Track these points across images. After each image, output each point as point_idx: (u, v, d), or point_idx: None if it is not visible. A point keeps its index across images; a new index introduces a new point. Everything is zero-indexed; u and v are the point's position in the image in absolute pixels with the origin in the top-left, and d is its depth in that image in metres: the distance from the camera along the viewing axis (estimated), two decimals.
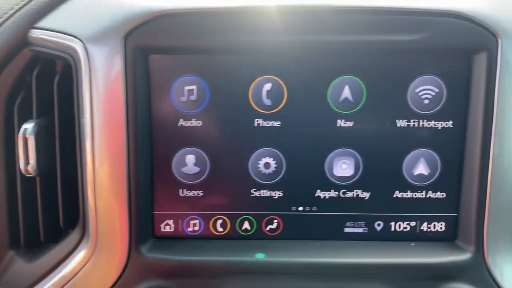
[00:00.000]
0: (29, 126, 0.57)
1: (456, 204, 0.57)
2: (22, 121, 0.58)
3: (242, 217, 0.57)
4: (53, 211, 0.61)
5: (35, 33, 0.56)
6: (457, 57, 0.53)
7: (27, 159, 0.57)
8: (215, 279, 0.55)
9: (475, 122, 0.55)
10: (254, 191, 0.57)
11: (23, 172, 0.58)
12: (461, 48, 0.53)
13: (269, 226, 0.58)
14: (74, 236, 0.59)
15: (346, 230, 0.57)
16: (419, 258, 0.56)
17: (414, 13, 0.52)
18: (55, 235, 0.61)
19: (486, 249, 0.55)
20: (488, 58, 0.52)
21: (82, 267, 0.57)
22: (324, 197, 0.56)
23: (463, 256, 0.55)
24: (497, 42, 0.52)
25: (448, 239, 0.57)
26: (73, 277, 0.57)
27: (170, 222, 0.58)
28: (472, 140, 0.55)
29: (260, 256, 0.54)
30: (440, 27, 0.52)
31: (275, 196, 0.57)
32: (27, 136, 0.56)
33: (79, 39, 0.54)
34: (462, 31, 0.52)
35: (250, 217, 0.57)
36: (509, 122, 0.54)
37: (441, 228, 0.58)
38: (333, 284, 0.55)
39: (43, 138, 0.58)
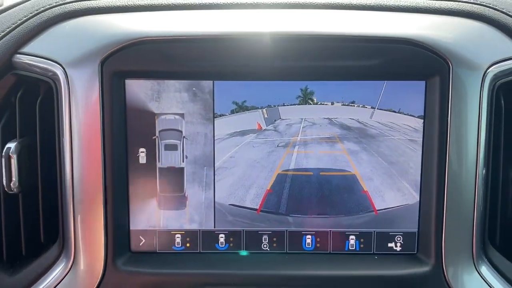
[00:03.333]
0: (12, 145, 0.59)
1: (416, 221, 0.60)
2: (5, 141, 0.61)
3: (217, 233, 0.61)
4: (34, 226, 0.63)
5: (19, 58, 0.59)
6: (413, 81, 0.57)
7: (10, 177, 0.59)
8: None
9: (431, 143, 0.58)
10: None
11: (6, 189, 0.61)
12: (416, 73, 0.57)
13: (247, 242, 0.61)
14: (53, 250, 0.61)
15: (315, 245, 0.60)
16: (383, 271, 0.58)
17: (371, 40, 0.56)
18: (36, 249, 0.63)
19: (444, 262, 0.58)
20: (441, 81, 0.56)
21: (61, 280, 0.59)
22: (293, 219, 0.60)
23: (423, 269, 0.58)
24: (449, 66, 0.56)
25: (409, 252, 0.60)
26: None
27: (146, 237, 0.60)
28: (428, 160, 0.59)
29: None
30: (396, 53, 0.56)
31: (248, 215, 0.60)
32: (10, 154, 0.59)
33: (59, 64, 0.57)
34: (415, 57, 0.56)
35: (222, 233, 0.61)
36: (462, 144, 0.57)
37: (402, 242, 0.61)
38: None
39: (25, 156, 0.60)
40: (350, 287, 0.57)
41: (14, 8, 0.63)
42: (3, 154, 0.59)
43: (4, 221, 0.63)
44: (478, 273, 0.58)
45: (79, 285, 0.58)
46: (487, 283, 0.58)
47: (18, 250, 0.64)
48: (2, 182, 0.61)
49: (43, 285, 0.59)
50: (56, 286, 0.59)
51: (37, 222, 0.63)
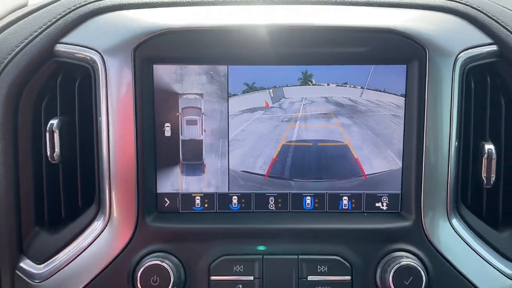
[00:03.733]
0: (54, 122, 0.69)
1: (399, 184, 0.70)
2: (47, 118, 0.70)
3: (231, 195, 0.71)
4: (72, 193, 0.73)
5: (60, 47, 0.68)
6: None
7: (53, 149, 0.69)
8: (205, 242, 0.67)
9: (411, 117, 0.67)
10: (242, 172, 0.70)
11: (49, 159, 0.70)
12: (398, 58, 0.67)
13: (256, 203, 0.70)
14: (90, 211, 0.70)
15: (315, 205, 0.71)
16: (371, 225, 0.68)
17: (360, 31, 0.65)
18: (74, 213, 0.73)
19: (423, 217, 0.67)
20: (419, 65, 0.66)
21: (98, 235, 0.68)
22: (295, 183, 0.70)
23: (406, 223, 0.68)
24: (426, 52, 0.66)
25: (394, 211, 0.70)
26: (90, 244, 0.68)
27: (170, 199, 0.70)
28: (409, 132, 0.68)
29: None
30: (381, 41, 0.66)
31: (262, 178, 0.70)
32: (53, 129, 0.69)
33: (97, 51, 0.66)
34: (398, 45, 0.66)
35: (235, 196, 0.71)
36: (437, 119, 0.67)
37: (388, 202, 0.71)
38: (306, 246, 0.67)
39: (65, 131, 0.70)
40: (344, 238, 0.67)
41: (53, 4, 0.73)
42: (47, 129, 0.69)
43: (46, 188, 0.72)
44: (451, 226, 0.68)
45: (115, 239, 0.67)
46: (457, 234, 0.68)
47: (58, 214, 0.74)
48: (46, 153, 0.70)
49: (83, 240, 0.69)
50: (94, 240, 0.68)
51: (75, 189, 0.73)
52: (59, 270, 0.69)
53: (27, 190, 0.71)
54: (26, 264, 0.71)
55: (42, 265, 0.70)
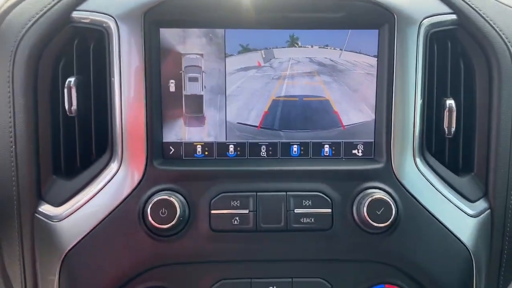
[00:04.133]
0: (72, 79, 0.76)
1: (372, 133, 0.79)
2: (65, 78, 0.78)
3: (228, 144, 0.79)
4: (87, 144, 0.81)
5: (76, 14, 0.75)
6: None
7: (71, 103, 0.76)
8: (206, 181, 0.75)
9: (382, 76, 0.76)
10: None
11: (67, 113, 0.79)
12: (371, 23, 0.76)
13: (250, 151, 0.79)
14: (104, 159, 0.77)
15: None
16: (349, 166, 0.77)
17: None
18: (88, 163, 0.81)
19: (393, 161, 0.76)
20: (389, 30, 0.75)
21: (111, 178, 0.75)
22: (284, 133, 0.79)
23: (378, 166, 0.77)
24: (394, 18, 0.75)
25: (368, 157, 0.80)
26: (104, 186, 0.75)
27: (175, 147, 0.78)
28: (380, 89, 0.77)
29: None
30: (356, 8, 0.74)
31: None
32: (71, 86, 0.76)
33: (111, 16, 0.74)
34: (371, 11, 0.75)
35: (232, 144, 0.80)
36: (404, 77, 0.75)
37: (363, 149, 0.80)
38: (293, 185, 0.76)
39: (81, 89, 0.77)
40: (325, 178, 0.76)
41: None
42: (66, 85, 0.76)
43: (63, 139, 0.79)
44: (417, 168, 0.77)
45: (126, 180, 0.75)
46: (423, 175, 0.77)
47: (74, 163, 0.81)
48: (64, 108, 0.77)
49: (98, 183, 0.76)
50: (108, 182, 0.75)
51: (89, 140, 0.81)
52: (76, 211, 0.76)
53: (45, 142, 0.77)
54: (45, 208, 0.78)
55: (60, 208, 0.77)
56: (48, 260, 0.79)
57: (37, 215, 0.78)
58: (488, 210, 0.80)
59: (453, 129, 0.79)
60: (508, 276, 0.87)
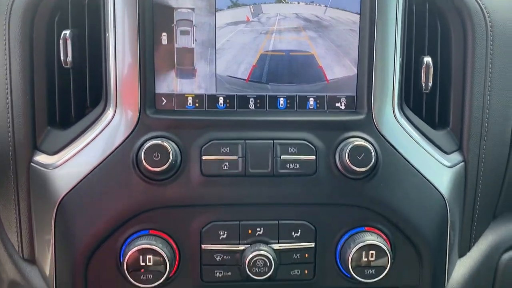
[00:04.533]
0: (67, 32, 0.80)
1: (355, 87, 0.83)
2: (60, 31, 0.82)
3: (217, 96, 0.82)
4: (81, 96, 0.85)
5: None
6: None
7: (66, 54, 0.80)
8: (197, 130, 0.78)
9: (364, 32, 0.80)
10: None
11: (62, 64, 0.82)
12: None
13: (239, 103, 0.82)
14: (98, 109, 0.81)
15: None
16: (332, 117, 0.82)
17: None
18: (82, 115, 0.85)
19: (374, 113, 0.81)
20: None
21: (105, 127, 0.78)
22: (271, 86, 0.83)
23: (359, 117, 0.81)
24: None
25: (350, 110, 0.84)
26: (98, 134, 0.78)
27: (167, 99, 0.81)
28: (362, 44, 0.81)
29: None
30: None
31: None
32: (66, 38, 0.80)
33: None
34: None
35: (221, 96, 0.84)
36: (385, 34, 0.79)
37: (346, 103, 0.84)
38: (279, 133, 0.80)
39: (76, 41, 0.81)
40: (310, 128, 0.80)
41: None
42: (61, 37, 0.80)
43: (58, 90, 0.83)
44: (396, 120, 0.82)
45: (120, 128, 0.78)
46: (401, 126, 0.82)
47: (69, 115, 0.85)
48: (59, 60, 0.81)
49: (92, 132, 0.79)
50: (102, 130, 0.78)
51: (83, 92, 0.85)
52: (71, 158, 0.79)
53: (40, 93, 0.81)
54: (40, 157, 0.81)
55: (55, 156, 0.81)
56: (43, 207, 0.82)
57: (32, 164, 0.81)
58: (462, 163, 0.85)
59: (430, 84, 0.84)
60: (480, 231, 0.94)
